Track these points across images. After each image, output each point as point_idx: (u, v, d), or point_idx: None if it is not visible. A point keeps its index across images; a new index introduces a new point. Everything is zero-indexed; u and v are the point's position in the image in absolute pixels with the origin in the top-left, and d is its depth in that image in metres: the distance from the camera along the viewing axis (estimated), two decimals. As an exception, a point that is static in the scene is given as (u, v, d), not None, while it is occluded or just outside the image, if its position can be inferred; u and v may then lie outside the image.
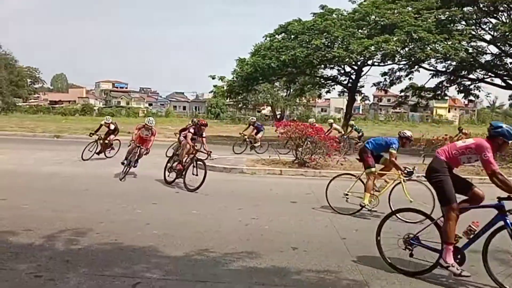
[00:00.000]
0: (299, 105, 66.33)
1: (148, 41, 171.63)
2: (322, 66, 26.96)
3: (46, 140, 22.43)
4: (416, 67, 27.14)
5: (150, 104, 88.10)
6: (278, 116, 60.59)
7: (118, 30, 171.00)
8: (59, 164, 12.95)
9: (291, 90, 44.66)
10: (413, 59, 23.95)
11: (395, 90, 34.36)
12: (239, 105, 62.58)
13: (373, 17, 24.80)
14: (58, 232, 5.99)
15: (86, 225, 6.37)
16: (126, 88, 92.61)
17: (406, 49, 23.73)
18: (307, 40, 24.30)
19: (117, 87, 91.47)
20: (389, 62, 26.29)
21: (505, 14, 24.42)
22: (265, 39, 27.98)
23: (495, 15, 24.58)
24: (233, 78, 28.61)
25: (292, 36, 25.68)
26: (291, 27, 25.72)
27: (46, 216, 6.92)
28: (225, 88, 31.21)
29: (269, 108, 67.53)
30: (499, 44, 25.18)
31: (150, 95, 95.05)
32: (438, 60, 25.48)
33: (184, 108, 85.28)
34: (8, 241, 5.55)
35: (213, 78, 30.82)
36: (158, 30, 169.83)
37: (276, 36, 27.32)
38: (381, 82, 30.06)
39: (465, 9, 23.82)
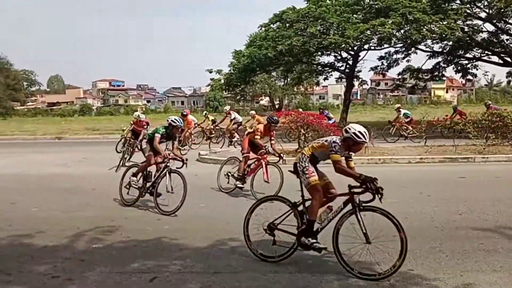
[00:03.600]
0: (297, 93, 65.98)
1: (143, 37, 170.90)
2: (319, 53, 26.85)
3: (47, 143, 22.48)
4: (413, 49, 26.99)
5: (148, 101, 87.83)
6: (276, 106, 60.44)
7: (112, 27, 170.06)
8: (63, 166, 12.98)
9: (289, 79, 44.41)
10: (409, 41, 23.83)
11: (392, 73, 34.09)
12: (237, 97, 62.32)
13: (367, 1, 24.69)
14: (70, 232, 6.04)
15: (98, 224, 6.43)
16: (123, 86, 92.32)
17: (402, 31, 23.61)
18: (303, 28, 24.17)
19: (114, 86, 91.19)
20: (385, 45, 26.15)
21: (500, -10, 24.27)
22: (260, 29, 27.87)
23: (490, -9, 24.44)
24: (230, 70, 28.59)
25: (287, 25, 25.54)
26: (286, 15, 25.56)
27: (56, 217, 6.99)
28: (222, 81, 31.17)
29: (267, 98, 67.32)
30: (494, 21, 25.05)
31: (147, 92, 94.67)
32: (435, 41, 25.36)
33: (182, 103, 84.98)
34: (22, 244, 5.62)
35: (210, 72, 30.95)
36: (152, 26, 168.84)
37: (271, 25, 27.17)
38: (378, 66, 29.88)
39: (459, -13, 23.71)
